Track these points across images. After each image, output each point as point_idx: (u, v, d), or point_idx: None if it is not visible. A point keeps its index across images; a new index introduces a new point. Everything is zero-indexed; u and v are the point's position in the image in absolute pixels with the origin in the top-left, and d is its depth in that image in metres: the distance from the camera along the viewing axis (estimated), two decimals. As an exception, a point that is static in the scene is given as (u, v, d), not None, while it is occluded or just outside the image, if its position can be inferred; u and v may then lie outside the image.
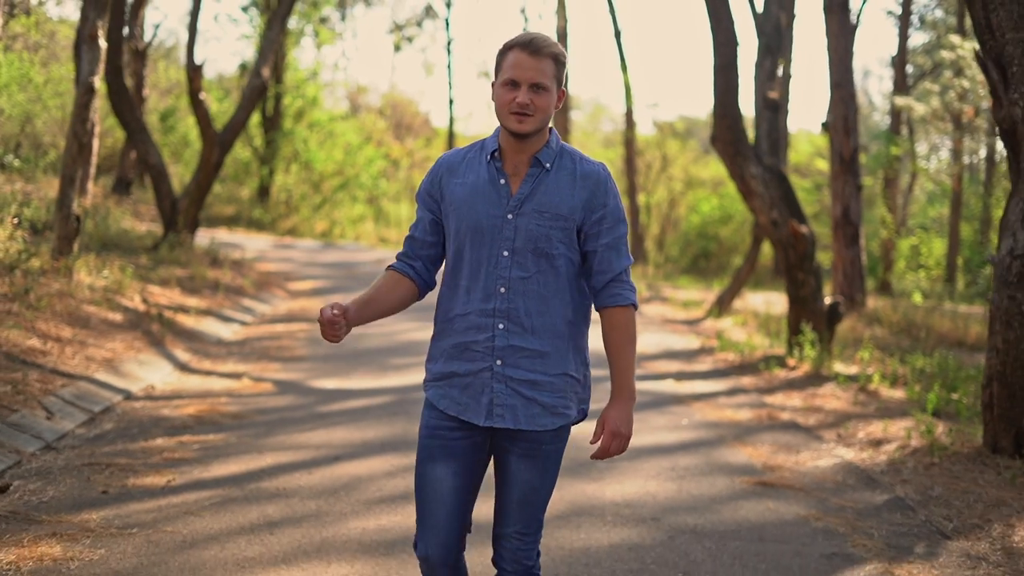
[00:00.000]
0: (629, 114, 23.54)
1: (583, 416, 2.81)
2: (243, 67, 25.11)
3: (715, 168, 25.10)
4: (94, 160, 13.88)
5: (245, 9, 25.77)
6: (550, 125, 2.75)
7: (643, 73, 65.12)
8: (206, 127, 13.94)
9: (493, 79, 2.72)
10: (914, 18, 24.16)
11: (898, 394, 8.14)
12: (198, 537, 4.14)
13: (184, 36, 30.74)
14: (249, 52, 26.53)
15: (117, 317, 8.40)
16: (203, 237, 16.02)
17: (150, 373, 7.35)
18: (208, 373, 7.72)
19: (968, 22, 20.40)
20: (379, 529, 4.37)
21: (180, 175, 22.13)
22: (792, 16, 15.35)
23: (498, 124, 2.74)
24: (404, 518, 4.52)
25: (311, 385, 7.46)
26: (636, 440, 6.11)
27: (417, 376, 7.80)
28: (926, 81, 23.27)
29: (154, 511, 4.41)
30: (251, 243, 18.96)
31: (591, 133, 39.58)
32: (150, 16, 34.93)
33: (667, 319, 13.07)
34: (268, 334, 9.83)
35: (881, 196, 22.09)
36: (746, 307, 14.34)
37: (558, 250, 2.68)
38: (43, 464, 4.98)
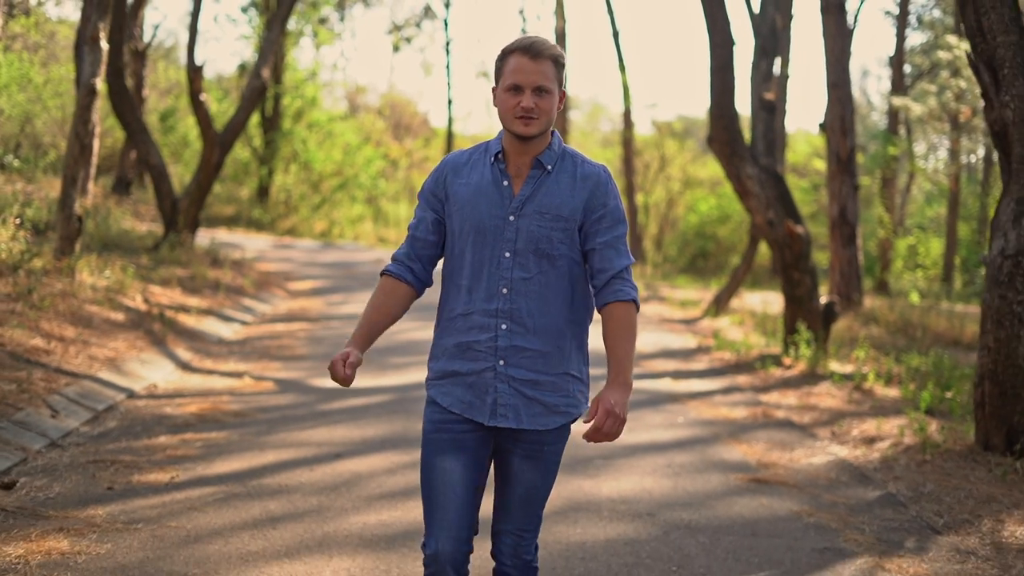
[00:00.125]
0: (627, 114, 23.58)
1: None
2: (242, 67, 25.16)
3: (713, 168, 25.14)
4: (94, 160, 13.92)
5: (244, 10, 25.83)
6: (552, 127, 2.80)
7: (641, 73, 65.21)
8: (207, 128, 14.00)
9: (494, 84, 2.75)
10: (912, 18, 24.20)
11: (893, 393, 8.22)
12: (202, 532, 4.22)
13: (184, 36, 30.87)
14: (248, 52, 26.60)
15: (119, 317, 8.47)
16: (203, 237, 16.08)
17: (152, 372, 7.43)
18: (210, 372, 7.79)
19: (965, 23, 20.40)
20: (380, 524, 4.45)
21: (180, 175, 22.17)
22: (790, 17, 15.39)
23: (501, 128, 2.78)
24: (404, 513, 4.59)
25: (312, 384, 7.53)
26: (632, 437, 6.20)
27: (416, 375, 7.88)
28: (924, 81, 23.30)
29: (158, 507, 4.49)
30: (251, 243, 19.01)
31: (589, 133, 39.58)
32: (150, 16, 34.98)
33: (664, 318, 13.15)
34: (269, 333, 9.90)
35: (879, 196, 22.14)
36: (743, 306, 14.40)
37: (559, 251, 2.71)
38: (49, 461, 5.06)
